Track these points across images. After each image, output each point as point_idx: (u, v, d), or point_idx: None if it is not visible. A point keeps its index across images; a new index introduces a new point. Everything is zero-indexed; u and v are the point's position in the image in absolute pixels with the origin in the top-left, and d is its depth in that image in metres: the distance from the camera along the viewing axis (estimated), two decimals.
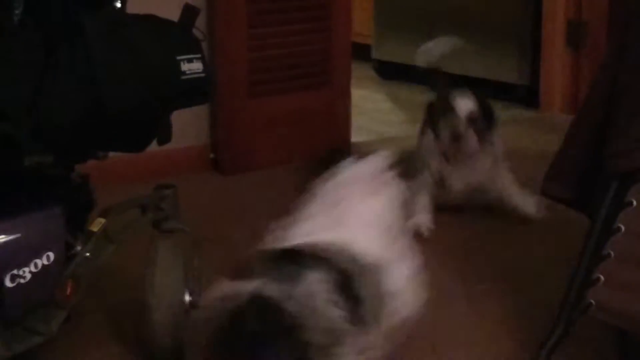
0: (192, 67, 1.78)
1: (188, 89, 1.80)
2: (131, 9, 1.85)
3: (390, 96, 4.80)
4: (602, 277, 1.79)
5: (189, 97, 1.83)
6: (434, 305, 2.36)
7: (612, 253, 1.80)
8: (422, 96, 4.78)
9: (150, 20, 1.82)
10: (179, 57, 1.77)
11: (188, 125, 3.29)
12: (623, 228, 1.80)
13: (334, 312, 1.52)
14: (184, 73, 1.77)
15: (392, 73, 5.12)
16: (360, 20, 5.08)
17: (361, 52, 4.98)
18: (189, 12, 1.85)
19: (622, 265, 1.79)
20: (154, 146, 1.86)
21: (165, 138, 1.85)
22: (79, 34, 1.67)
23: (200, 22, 1.89)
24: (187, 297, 1.99)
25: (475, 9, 4.57)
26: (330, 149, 3.28)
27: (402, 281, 1.76)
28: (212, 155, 3.45)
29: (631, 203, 1.80)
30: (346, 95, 3.68)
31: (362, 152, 1.96)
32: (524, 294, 2.39)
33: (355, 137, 3.78)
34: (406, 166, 2.77)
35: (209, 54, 3.21)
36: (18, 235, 1.68)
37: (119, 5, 1.80)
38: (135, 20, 1.79)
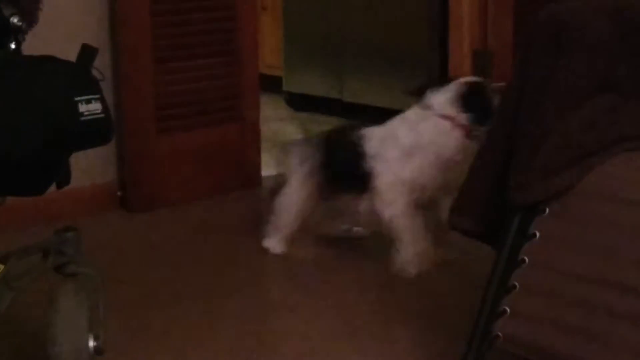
0: (90, 107, 1.75)
1: (87, 130, 1.76)
2: (29, 50, 1.82)
3: (301, 128, 4.80)
4: (508, 309, 1.80)
5: (89, 138, 1.79)
6: (342, 340, 2.35)
7: (517, 285, 1.81)
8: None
9: (47, 61, 1.78)
10: (77, 98, 1.74)
11: (94, 162, 3.23)
12: (527, 260, 1.81)
13: None
14: (82, 114, 1.73)
15: (304, 104, 5.12)
16: (270, 52, 5.07)
17: (272, 84, 4.97)
18: (87, 52, 1.82)
19: (527, 297, 1.80)
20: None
21: (64, 181, 1.81)
22: None
23: (105, 58, 1.86)
24: (91, 342, 1.95)
25: (383, 40, 4.60)
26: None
27: None
28: (119, 193, 3.39)
29: (535, 235, 1.82)
30: (256, 129, 3.66)
31: None
32: (432, 325, 2.40)
33: (267, 171, 3.75)
34: None
35: (114, 90, 3.17)
36: None
37: (13, 46, 1.76)
38: (31, 62, 1.75)
